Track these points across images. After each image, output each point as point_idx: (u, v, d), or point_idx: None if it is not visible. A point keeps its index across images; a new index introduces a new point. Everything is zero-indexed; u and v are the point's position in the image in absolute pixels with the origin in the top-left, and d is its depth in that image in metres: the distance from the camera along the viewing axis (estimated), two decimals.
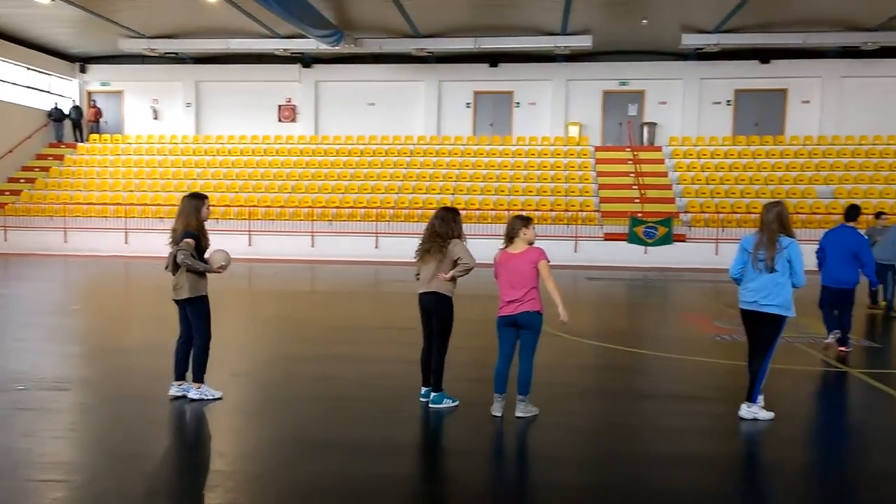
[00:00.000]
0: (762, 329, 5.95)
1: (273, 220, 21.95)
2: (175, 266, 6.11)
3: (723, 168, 23.25)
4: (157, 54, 24.99)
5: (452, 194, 22.62)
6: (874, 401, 6.85)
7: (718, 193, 22.14)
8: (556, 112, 25.18)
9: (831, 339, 8.74)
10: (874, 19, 20.76)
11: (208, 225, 6.33)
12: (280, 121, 26.53)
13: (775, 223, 5.85)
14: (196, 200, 6.20)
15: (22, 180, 24.56)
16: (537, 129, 25.25)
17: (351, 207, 22.25)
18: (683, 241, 20.40)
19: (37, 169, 25.23)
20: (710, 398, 6.85)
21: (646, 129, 24.70)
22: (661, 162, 23.77)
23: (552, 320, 5.90)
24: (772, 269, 5.79)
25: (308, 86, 26.17)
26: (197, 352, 6.24)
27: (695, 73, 24.44)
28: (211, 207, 6.39)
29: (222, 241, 7.21)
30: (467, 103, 25.82)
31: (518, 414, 5.86)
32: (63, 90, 27.23)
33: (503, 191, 22.77)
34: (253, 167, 24.58)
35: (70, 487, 4.56)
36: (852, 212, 8.78)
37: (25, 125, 25.47)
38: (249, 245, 20.77)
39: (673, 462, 5.07)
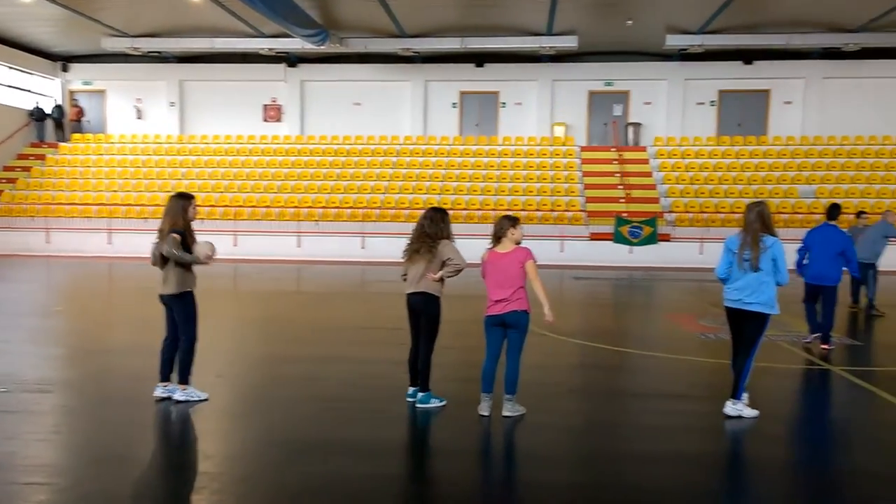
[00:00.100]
0: (746, 327, 6.02)
1: (259, 220, 21.86)
2: (163, 260, 6.10)
3: (707, 168, 23.42)
4: (140, 53, 24.77)
5: (439, 194, 22.62)
6: (856, 398, 6.93)
7: (702, 193, 22.30)
8: (542, 112, 25.25)
9: (811, 339, 8.95)
10: (856, 21, 20.99)
11: (194, 225, 6.30)
12: (265, 120, 26.39)
13: (757, 223, 5.93)
14: (183, 200, 6.20)
15: (3, 180, 24.25)
16: (523, 129, 25.30)
17: (337, 207, 22.19)
18: (668, 240, 20.52)
19: (18, 169, 24.94)
20: (696, 396, 6.89)
21: (631, 130, 24.83)
22: (645, 162, 23.90)
23: (539, 320, 5.93)
24: (756, 269, 5.86)
25: (293, 85, 26.06)
26: (183, 353, 6.21)
27: (679, 74, 24.59)
28: (197, 207, 6.37)
29: None
30: (453, 103, 25.83)
31: (505, 413, 5.87)
32: (45, 89, 26.93)
33: (489, 191, 22.80)
34: (238, 167, 24.44)
35: (53, 490, 4.51)
36: (834, 211, 8.90)
37: (7, 125, 25.16)
38: (235, 245, 20.65)
39: (660, 460, 5.10)
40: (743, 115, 24.76)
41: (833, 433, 5.99)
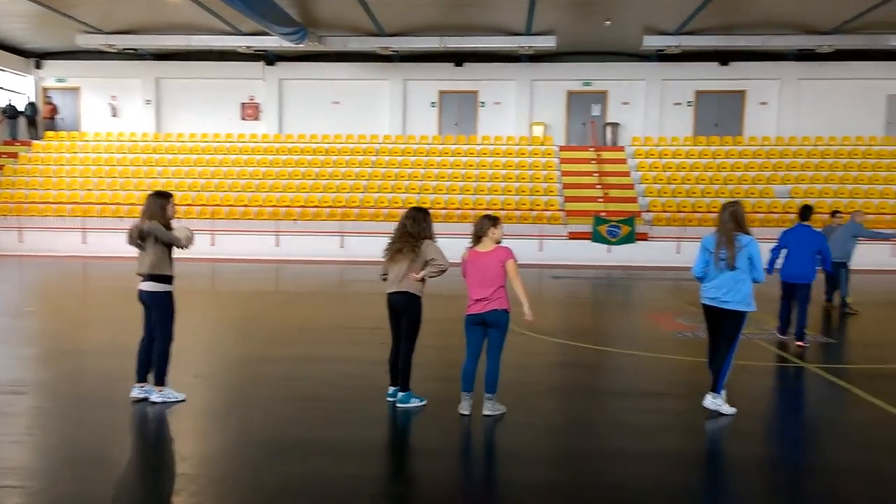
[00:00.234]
0: (724, 325, 6.11)
1: (237, 219, 21.69)
2: (140, 239, 6.04)
3: (684, 168, 23.63)
4: (115, 50, 24.41)
5: (418, 193, 22.59)
6: (831, 395, 7.03)
7: (680, 193, 22.50)
8: (521, 112, 25.31)
9: (784, 337, 9.23)
10: (830, 23, 21.30)
11: (172, 224, 6.23)
12: (243, 119, 26.17)
13: (731, 222, 6.03)
14: (161, 199, 6.15)
15: None
16: (502, 128, 25.35)
17: (316, 207, 22.08)
18: (646, 239, 20.68)
19: None
20: (674, 394, 6.95)
21: (609, 130, 24.97)
22: (623, 162, 24.06)
23: (519, 319, 5.94)
24: (732, 267, 5.95)
25: (272, 84, 25.88)
26: (158, 355, 6.13)
27: (657, 74, 24.78)
28: (175, 206, 6.32)
29: None
30: (432, 102, 25.81)
31: (485, 412, 5.88)
32: (18, 86, 26.45)
33: (468, 190, 22.81)
34: (216, 166, 24.22)
35: (27, 493, 4.43)
36: (806, 212, 9.25)
37: None
38: (213, 245, 20.47)
39: (639, 459, 5.14)
40: (719, 115, 25.02)
41: (808, 430, 6.07)
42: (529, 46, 23.17)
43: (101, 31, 23.47)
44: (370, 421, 5.86)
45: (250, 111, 26.14)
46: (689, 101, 25.05)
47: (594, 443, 5.54)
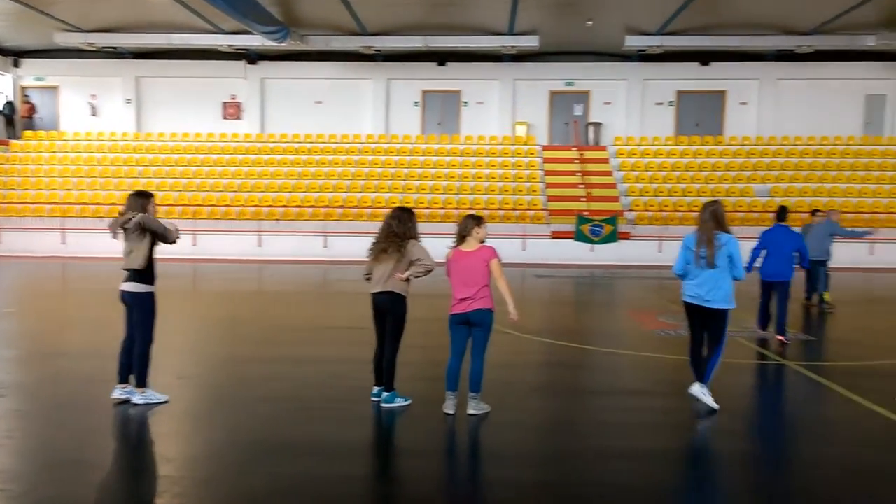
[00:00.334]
0: (710, 324, 6.19)
1: (218, 219, 21.54)
2: (123, 229, 6.00)
3: (665, 167, 23.79)
4: (94, 48, 24.17)
5: (401, 193, 22.56)
6: (811, 392, 7.12)
7: (661, 192, 22.65)
8: (504, 111, 25.36)
9: (764, 332, 9.44)
10: (808, 23, 21.54)
11: None
12: (225, 118, 26.00)
13: (711, 221, 6.11)
14: (142, 198, 6.12)
15: None
16: (485, 128, 25.37)
17: (298, 206, 21.99)
18: (628, 238, 20.82)
19: None
20: (658, 393, 7.00)
21: (591, 129, 25.08)
22: (606, 161, 24.18)
23: (503, 318, 5.96)
24: (713, 265, 6.02)
25: (253, 83, 25.73)
26: (138, 356, 6.07)
27: (638, 74, 24.93)
28: (156, 206, 6.28)
29: None
30: (415, 102, 25.78)
31: (470, 411, 5.88)
32: None
33: (452, 190, 22.82)
34: (197, 165, 24.03)
35: (7, 497, 4.37)
36: (783, 212, 9.57)
37: None
38: (194, 245, 20.28)
39: (624, 457, 5.16)
40: (700, 115, 25.22)
41: (790, 427, 6.14)
42: (512, 46, 23.23)
43: (79, 30, 23.21)
44: (354, 421, 5.85)
45: (232, 110, 25.97)
46: (670, 101, 25.23)
47: (579, 441, 5.56)
